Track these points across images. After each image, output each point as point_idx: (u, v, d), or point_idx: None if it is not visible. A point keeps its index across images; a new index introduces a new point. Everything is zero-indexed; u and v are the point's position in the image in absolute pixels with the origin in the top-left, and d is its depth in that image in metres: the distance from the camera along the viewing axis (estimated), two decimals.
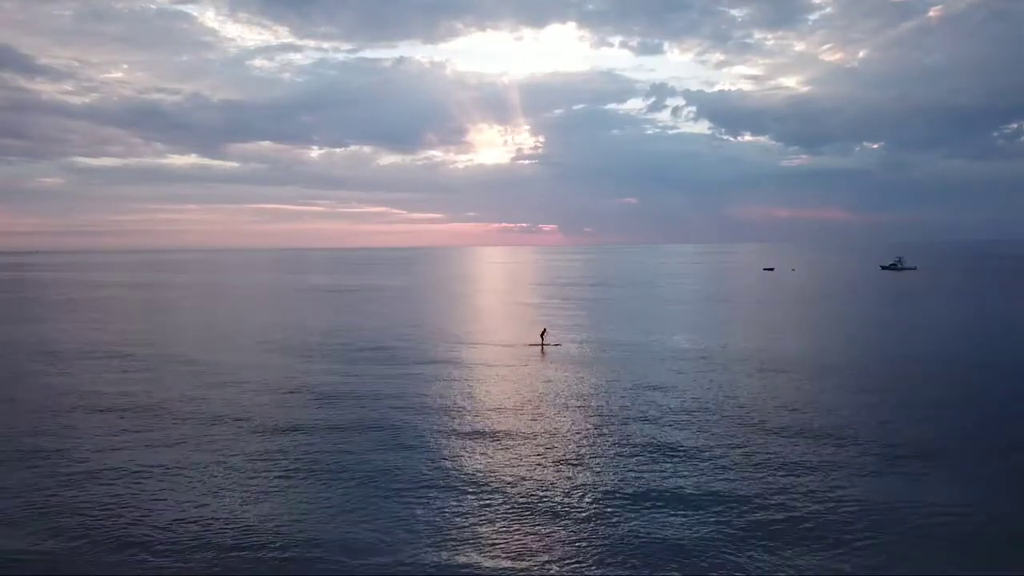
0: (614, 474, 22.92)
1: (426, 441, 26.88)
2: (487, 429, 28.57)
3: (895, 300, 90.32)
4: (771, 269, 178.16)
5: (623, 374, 39.83)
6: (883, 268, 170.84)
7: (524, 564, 16.92)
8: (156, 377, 40.15)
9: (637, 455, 24.70)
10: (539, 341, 51.31)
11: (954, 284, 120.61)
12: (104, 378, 40.03)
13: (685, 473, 22.80)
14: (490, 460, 24.50)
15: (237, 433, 28.02)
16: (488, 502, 20.72)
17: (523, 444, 26.23)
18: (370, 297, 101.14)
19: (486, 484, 22.16)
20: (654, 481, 22.17)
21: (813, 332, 57.70)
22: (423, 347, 51.17)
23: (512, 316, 74.11)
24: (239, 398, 34.24)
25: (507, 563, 17.01)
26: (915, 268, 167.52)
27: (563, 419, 29.87)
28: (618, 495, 21.02)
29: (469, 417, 30.60)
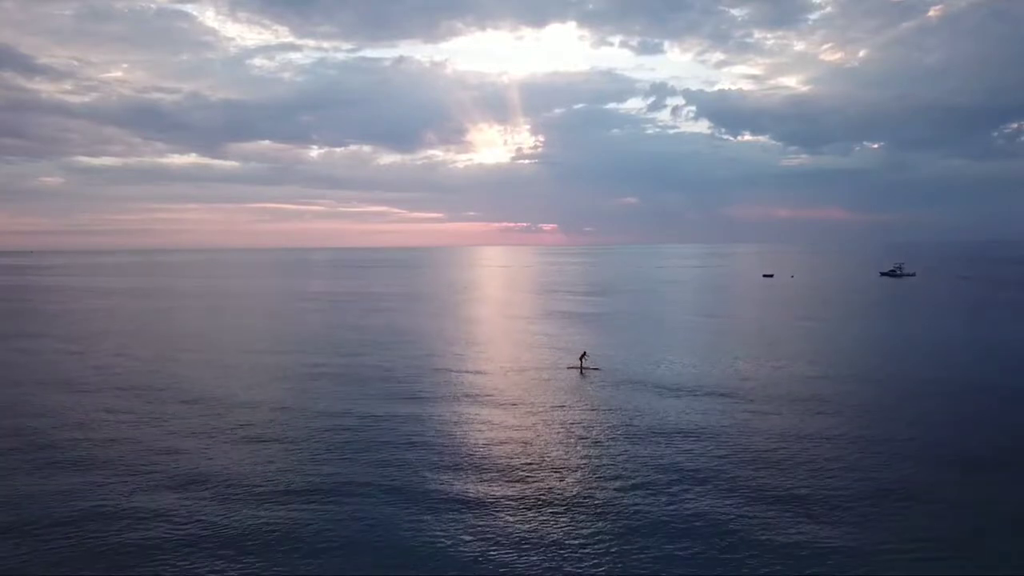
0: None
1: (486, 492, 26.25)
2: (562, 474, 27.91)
3: (894, 313, 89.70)
4: (770, 276, 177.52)
5: (673, 406, 38.81)
6: (882, 274, 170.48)
7: None
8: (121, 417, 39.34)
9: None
10: (578, 364, 50.53)
11: (953, 293, 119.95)
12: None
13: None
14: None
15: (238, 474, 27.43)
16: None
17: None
18: (377, 308, 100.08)
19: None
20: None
21: (813, 357, 57.06)
22: (452, 371, 49.70)
23: (535, 332, 72.69)
24: (236, 438, 33.61)
25: None
26: (914, 274, 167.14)
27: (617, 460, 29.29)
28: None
29: (536, 467, 29.51)
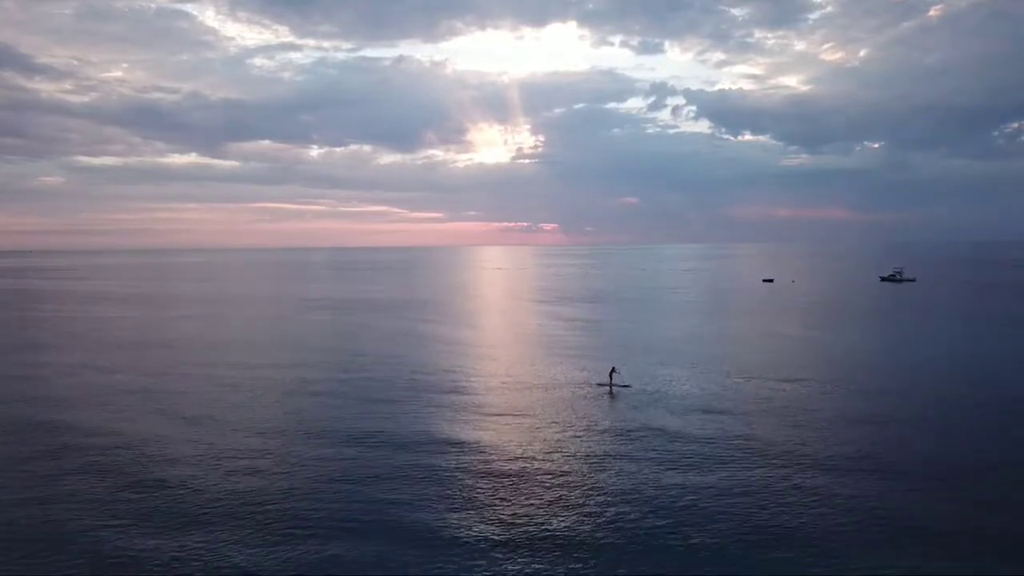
0: None
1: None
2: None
3: (897, 323, 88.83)
4: (770, 280, 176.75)
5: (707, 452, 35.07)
6: (882, 279, 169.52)
7: None
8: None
9: None
10: (607, 381, 49.24)
11: (955, 301, 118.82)
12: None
13: None
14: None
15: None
16: None
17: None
18: (377, 317, 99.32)
19: None
20: None
21: (821, 376, 56.53)
22: (474, 388, 48.89)
23: (552, 343, 71.85)
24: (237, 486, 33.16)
25: None
26: (914, 280, 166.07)
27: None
28: None
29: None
